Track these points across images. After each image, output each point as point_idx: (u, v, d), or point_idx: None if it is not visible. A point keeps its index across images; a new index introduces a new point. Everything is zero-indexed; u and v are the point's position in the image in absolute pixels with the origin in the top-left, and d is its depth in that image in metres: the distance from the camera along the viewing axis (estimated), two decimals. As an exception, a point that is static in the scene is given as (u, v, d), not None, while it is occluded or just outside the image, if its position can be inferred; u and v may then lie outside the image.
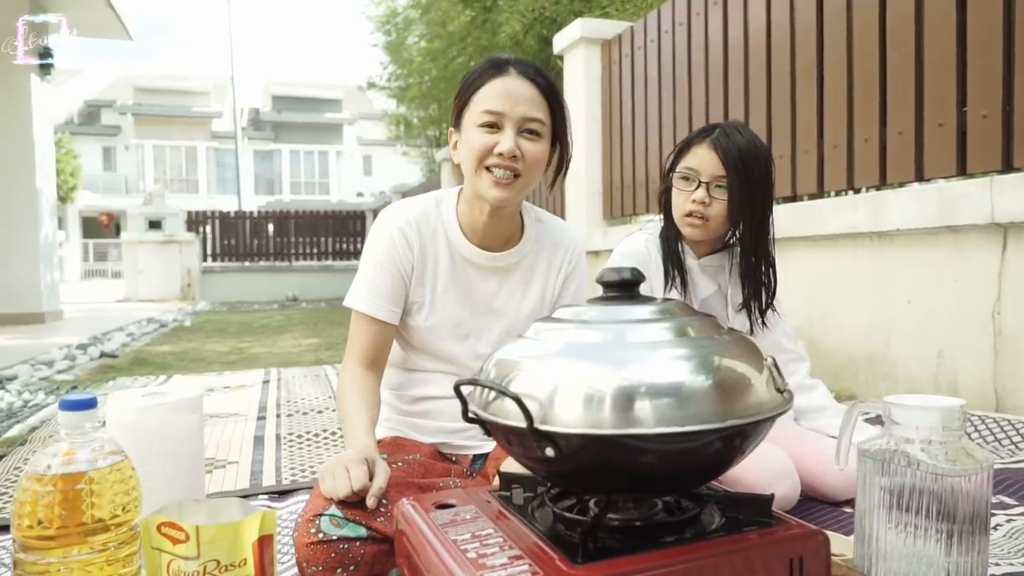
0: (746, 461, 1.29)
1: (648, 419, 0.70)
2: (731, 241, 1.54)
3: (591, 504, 0.84)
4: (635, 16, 4.81)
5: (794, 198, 2.92)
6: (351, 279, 1.36)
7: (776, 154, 2.93)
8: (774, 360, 0.79)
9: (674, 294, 1.51)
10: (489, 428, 0.80)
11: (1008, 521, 1.29)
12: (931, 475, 0.86)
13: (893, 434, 0.91)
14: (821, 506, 1.39)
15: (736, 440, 0.77)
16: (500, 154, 1.20)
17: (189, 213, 12.66)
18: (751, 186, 1.40)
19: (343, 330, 5.36)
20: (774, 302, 1.54)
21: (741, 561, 0.74)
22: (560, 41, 4.67)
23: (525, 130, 1.21)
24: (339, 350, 4.55)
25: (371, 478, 1.06)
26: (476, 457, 1.37)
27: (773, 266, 1.51)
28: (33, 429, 2.28)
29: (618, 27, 4.38)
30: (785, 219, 2.81)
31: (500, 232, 1.33)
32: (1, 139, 6.34)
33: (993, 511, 1.29)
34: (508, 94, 1.20)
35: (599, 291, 0.87)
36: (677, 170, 1.47)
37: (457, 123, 1.28)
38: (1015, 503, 1.39)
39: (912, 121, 2.34)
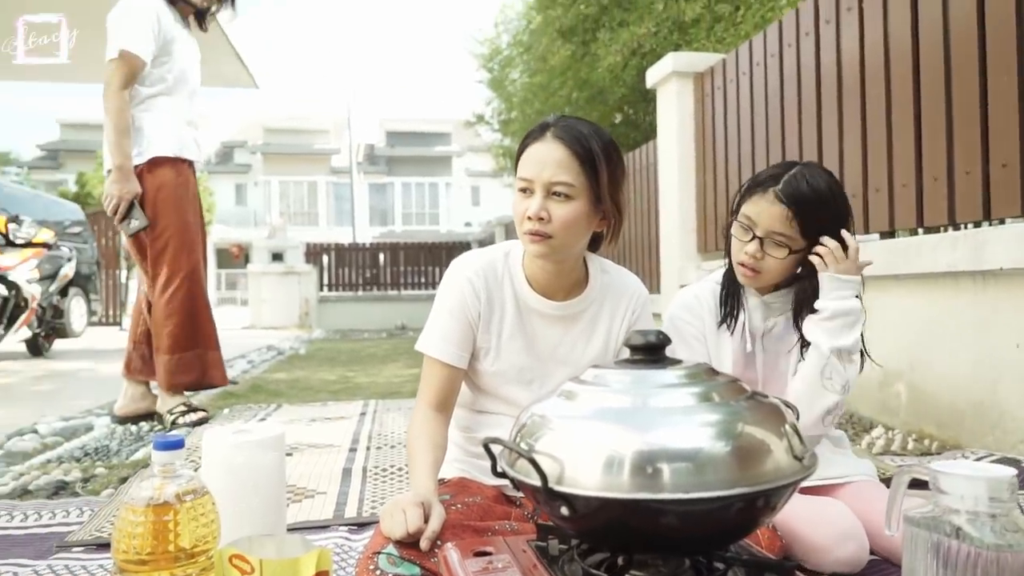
0: (811, 520, 1.28)
1: (659, 485, 0.73)
2: (801, 273, 1.46)
3: (619, 561, 0.87)
4: (732, 48, 4.75)
5: (892, 233, 2.79)
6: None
7: (872, 188, 2.82)
8: (794, 426, 0.80)
9: (725, 333, 1.47)
10: (516, 484, 0.85)
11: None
12: (975, 548, 0.83)
13: (939, 503, 0.89)
14: (890, 568, 1.33)
15: (758, 502, 0.78)
16: (529, 217, 1.27)
17: (308, 245, 13.50)
18: (812, 236, 1.37)
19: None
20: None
21: (760, 627, 0.76)
22: (653, 75, 4.68)
23: (553, 192, 1.26)
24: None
25: (427, 520, 1.13)
26: (539, 500, 1.41)
27: None
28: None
29: (710, 60, 4.35)
30: (880, 257, 2.69)
31: (562, 283, 1.39)
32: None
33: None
34: (537, 160, 1.27)
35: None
36: (738, 217, 1.44)
37: None
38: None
39: (1017, 153, 2.21)
